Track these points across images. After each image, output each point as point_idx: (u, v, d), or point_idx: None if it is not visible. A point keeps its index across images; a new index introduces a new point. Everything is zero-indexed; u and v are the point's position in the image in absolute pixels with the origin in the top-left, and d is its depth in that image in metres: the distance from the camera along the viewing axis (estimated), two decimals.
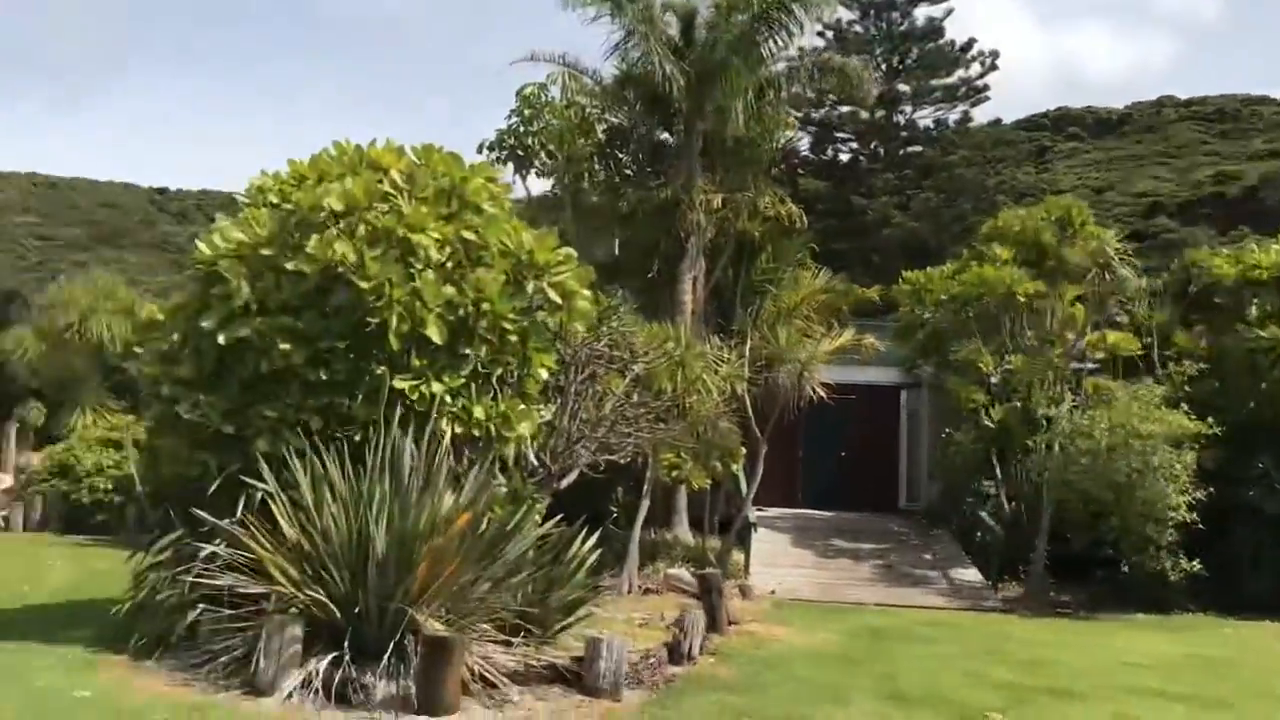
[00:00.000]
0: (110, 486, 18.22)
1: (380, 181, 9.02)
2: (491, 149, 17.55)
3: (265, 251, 8.70)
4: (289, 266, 8.51)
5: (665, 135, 19.19)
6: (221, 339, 8.51)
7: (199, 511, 7.98)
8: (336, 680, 7.03)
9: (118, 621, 9.38)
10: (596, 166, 18.71)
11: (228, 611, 7.56)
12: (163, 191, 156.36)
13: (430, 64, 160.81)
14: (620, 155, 19.16)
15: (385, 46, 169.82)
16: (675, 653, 8.98)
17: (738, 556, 15.82)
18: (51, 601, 11.10)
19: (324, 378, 8.43)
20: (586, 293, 9.44)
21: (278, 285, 8.66)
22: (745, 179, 18.50)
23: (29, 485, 18.66)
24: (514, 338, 8.88)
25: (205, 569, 7.72)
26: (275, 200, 9.44)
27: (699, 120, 18.04)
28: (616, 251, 18.31)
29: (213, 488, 8.22)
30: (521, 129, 17.51)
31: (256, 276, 8.68)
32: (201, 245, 8.99)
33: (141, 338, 9.68)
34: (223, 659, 7.39)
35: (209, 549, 7.82)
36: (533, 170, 17.93)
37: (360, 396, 8.47)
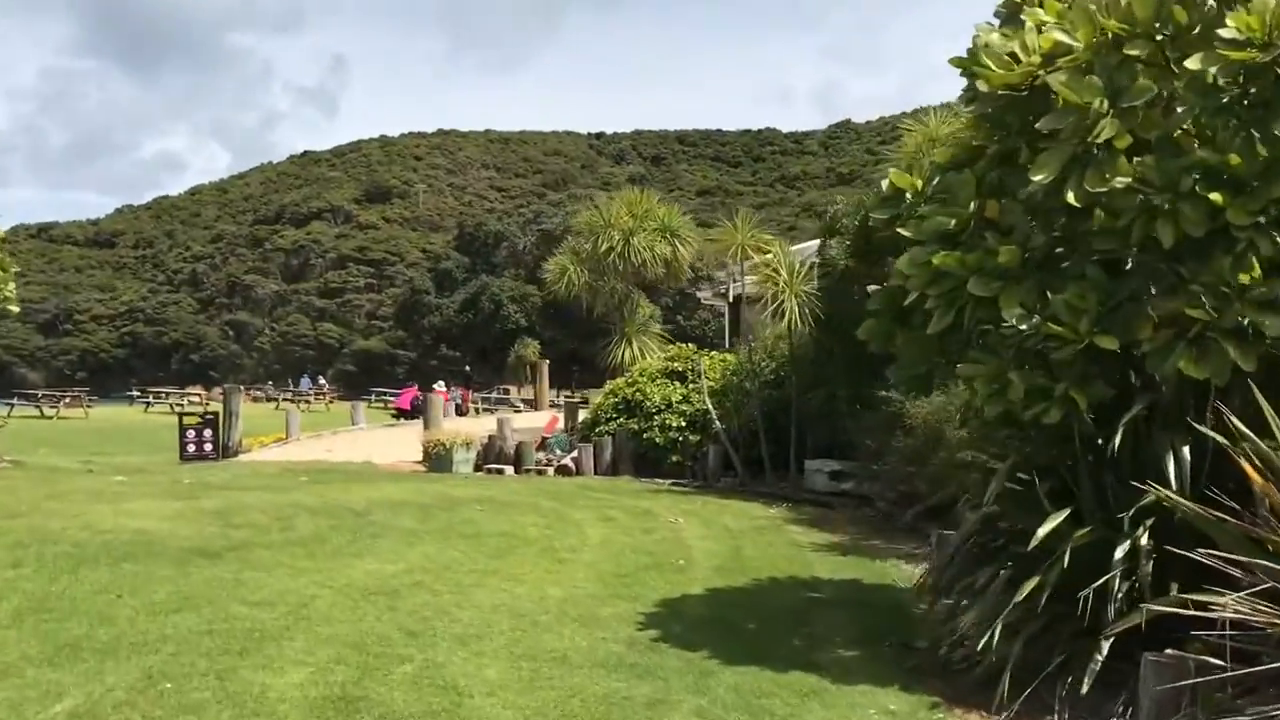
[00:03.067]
0: (682, 424, 16.12)
1: None
2: None
3: (1132, 51, 5.27)
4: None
5: None
6: (1072, 197, 5.24)
7: (1142, 483, 4.71)
8: None
9: (880, 625, 6.58)
10: None
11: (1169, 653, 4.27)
12: (599, 136, 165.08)
13: None
14: None
15: None
16: None
17: None
18: (730, 585, 8.59)
19: None
20: None
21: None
22: None
23: (596, 424, 17.02)
24: None
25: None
26: None
27: None
28: None
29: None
30: None
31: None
32: (988, 61, 5.74)
33: (883, 212, 6.62)
34: None
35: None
36: None
37: None
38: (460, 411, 31.22)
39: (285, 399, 44.86)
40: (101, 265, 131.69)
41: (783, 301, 13.72)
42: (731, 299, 27.12)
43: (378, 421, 28.40)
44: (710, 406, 15.55)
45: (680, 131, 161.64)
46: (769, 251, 14.96)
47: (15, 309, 19.05)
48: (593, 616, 7.30)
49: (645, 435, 16.33)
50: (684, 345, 18.17)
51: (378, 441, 21.07)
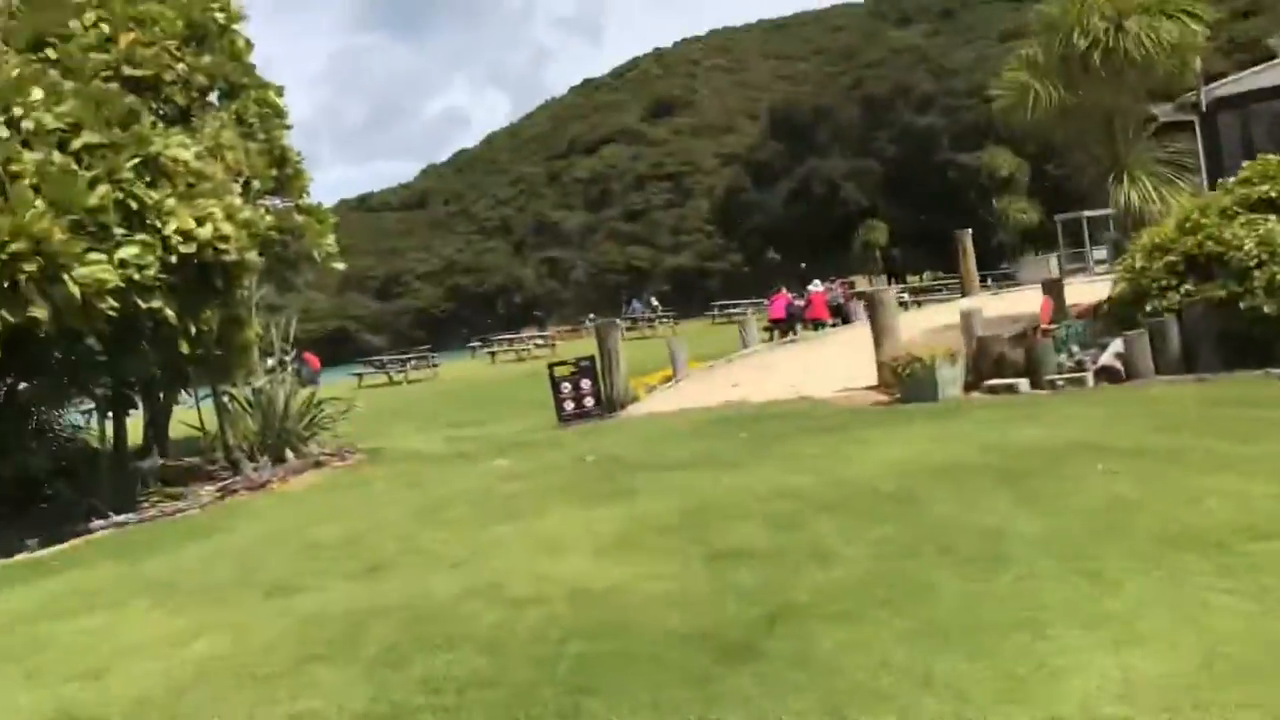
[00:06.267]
0: None
1: None
2: None
3: None
4: None
5: None
6: None
7: None
8: None
9: None
10: None
11: None
12: (880, 0, 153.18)
13: None
14: None
15: None
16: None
17: None
18: None
19: None
20: None
21: None
22: None
23: (1142, 299, 11.28)
24: None
25: None
26: None
27: None
28: None
29: None
30: None
31: None
32: None
33: None
34: None
35: None
36: None
37: None
38: (844, 317, 25.99)
39: (626, 328, 41.42)
40: (418, 226, 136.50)
41: None
42: (1205, 108, 20.22)
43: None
44: None
45: None
46: None
47: (340, 265, 15.67)
48: None
49: (1243, 306, 10.44)
50: (1269, 158, 11.94)
51: (791, 366, 16.30)
